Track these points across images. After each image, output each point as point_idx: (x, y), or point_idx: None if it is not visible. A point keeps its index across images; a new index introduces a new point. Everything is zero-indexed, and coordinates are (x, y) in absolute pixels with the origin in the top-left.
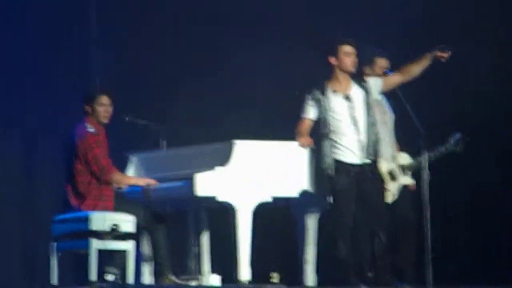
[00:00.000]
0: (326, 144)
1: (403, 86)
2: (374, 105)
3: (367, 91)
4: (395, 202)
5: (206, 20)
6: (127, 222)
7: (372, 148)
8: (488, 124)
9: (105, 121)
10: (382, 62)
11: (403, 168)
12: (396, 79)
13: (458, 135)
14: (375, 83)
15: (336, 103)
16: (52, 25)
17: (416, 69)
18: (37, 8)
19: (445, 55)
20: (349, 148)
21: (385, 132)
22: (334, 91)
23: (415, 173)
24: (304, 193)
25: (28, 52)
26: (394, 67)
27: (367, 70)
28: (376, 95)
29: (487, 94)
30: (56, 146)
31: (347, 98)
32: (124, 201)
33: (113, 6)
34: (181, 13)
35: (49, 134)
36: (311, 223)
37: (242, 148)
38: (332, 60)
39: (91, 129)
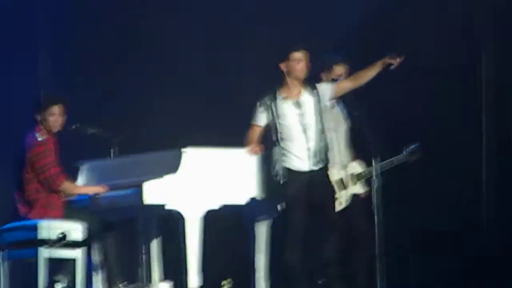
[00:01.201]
0: (276, 151)
1: (357, 93)
2: (325, 112)
3: (318, 97)
4: (346, 210)
5: (157, 28)
6: (76, 230)
7: (322, 155)
8: (442, 132)
9: (55, 130)
10: (340, 69)
11: (354, 177)
12: (346, 85)
13: (413, 146)
14: (326, 89)
15: (286, 109)
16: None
17: (367, 75)
18: None
19: (395, 62)
20: (298, 156)
21: (336, 139)
22: (284, 98)
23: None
24: (254, 201)
25: None
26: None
27: (324, 76)
28: (326, 101)
29: (443, 101)
30: (5, 154)
31: (297, 104)
32: (73, 209)
33: (63, 14)
34: (130, 21)
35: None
36: (262, 230)
37: (191, 156)
38: (283, 67)
39: (40, 138)
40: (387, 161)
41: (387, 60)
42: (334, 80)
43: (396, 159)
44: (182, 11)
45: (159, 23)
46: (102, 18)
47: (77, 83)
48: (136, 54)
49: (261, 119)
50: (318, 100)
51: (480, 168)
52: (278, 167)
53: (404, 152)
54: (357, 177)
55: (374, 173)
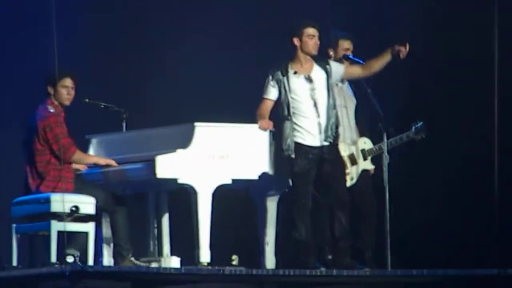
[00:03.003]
0: (286, 126)
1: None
2: (335, 88)
3: (328, 74)
4: (355, 186)
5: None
6: (87, 204)
7: (332, 131)
8: (449, 109)
9: (67, 103)
10: (345, 44)
11: (364, 153)
12: (356, 71)
13: (419, 124)
14: (337, 69)
15: (297, 84)
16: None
17: (376, 64)
18: None
19: (404, 49)
20: (308, 131)
21: (346, 115)
22: (296, 72)
23: (376, 158)
24: (264, 176)
25: None
26: (357, 50)
27: (330, 52)
28: (336, 79)
29: (450, 79)
30: (15, 129)
31: (309, 79)
32: (84, 183)
33: None
34: None
35: (8, 118)
36: (271, 205)
37: (203, 131)
38: (295, 42)
39: (52, 110)
40: (396, 137)
41: (396, 47)
42: (345, 57)
43: (405, 136)
44: None
45: None
46: None
47: (89, 56)
48: (148, 27)
49: (273, 93)
50: (329, 76)
51: (491, 143)
52: (289, 142)
53: (412, 129)
54: (367, 153)
55: (385, 149)
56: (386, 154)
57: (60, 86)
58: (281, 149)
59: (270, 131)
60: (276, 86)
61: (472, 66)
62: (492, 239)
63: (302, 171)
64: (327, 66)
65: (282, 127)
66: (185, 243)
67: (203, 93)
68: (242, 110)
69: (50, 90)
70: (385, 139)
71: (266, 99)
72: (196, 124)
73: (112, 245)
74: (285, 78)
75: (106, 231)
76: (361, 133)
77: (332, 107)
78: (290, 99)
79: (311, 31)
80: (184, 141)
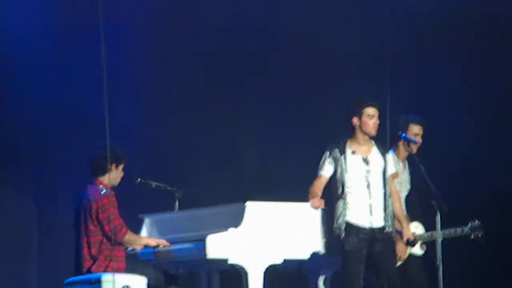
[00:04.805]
0: (339, 205)
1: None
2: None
3: (386, 162)
4: (404, 270)
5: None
6: (139, 283)
7: (391, 220)
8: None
9: (116, 185)
10: (415, 129)
11: (415, 237)
12: (395, 195)
13: (476, 223)
14: (390, 166)
15: (353, 165)
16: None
17: (396, 214)
18: None
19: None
20: (359, 210)
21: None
22: (353, 152)
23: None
24: (316, 255)
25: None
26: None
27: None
28: (391, 171)
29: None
30: (67, 209)
31: (366, 161)
32: (135, 262)
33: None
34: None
35: (61, 197)
36: (323, 284)
37: (254, 210)
38: (355, 121)
39: (104, 190)
40: (450, 229)
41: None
42: (400, 135)
43: (460, 230)
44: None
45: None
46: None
47: (141, 137)
48: (197, 109)
49: (329, 170)
50: (386, 165)
51: None
52: (341, 221)
53: (469, 225)
54: (418, 238)
55: (439, 237)
56: (439, 231)
57: (119, 169)
58: (332, 228)
59: (322, 209)
60: (333, 163)
61: None
62: None
63: (353, 250)
64: (387, 155)
65: (335, 206)
66: None
67: (255, 171)
68: (292, 188)
69: (99, 171)
70: (438, 228)
71: (320, 175)
72: (247, 202)
73: None
74: (342, 157)
75: None
76: (413, 217)
77: (388, 195)
78: (345, 179)
79: (371, 110)
80: (236, 220)
